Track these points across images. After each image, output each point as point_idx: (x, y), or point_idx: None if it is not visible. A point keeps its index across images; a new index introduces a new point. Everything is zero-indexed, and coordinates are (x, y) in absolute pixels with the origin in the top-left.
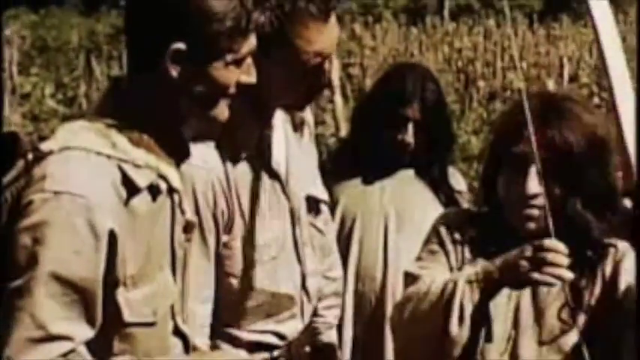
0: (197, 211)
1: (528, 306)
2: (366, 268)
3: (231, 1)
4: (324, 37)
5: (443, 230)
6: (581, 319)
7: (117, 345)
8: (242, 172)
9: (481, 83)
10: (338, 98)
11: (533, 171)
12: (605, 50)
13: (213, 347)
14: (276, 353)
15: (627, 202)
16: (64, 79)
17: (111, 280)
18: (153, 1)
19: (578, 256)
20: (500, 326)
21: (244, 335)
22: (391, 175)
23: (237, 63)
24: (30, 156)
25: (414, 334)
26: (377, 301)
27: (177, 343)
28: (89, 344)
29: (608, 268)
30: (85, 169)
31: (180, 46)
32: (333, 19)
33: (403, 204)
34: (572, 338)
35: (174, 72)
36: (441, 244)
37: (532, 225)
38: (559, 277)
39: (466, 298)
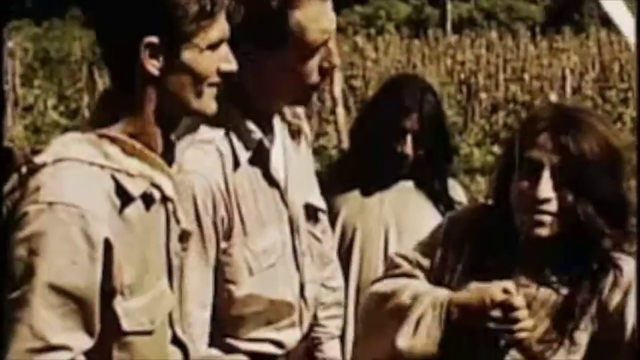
0: (197, 218)
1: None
2: (367, 279)
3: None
4: (327, 14)
5: (448, 230)
6: (580, 336)
7: (116, 354)
8: (241, 178)
9: (483, 95)
10: (340, 110)
11: (546, 176)
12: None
13: None
14: None
15: None
16: (66, 92)
17: (108, 289)
18: (116, 2)
19: (581, 267)
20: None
21: (243, 345)
22: (391, 187)
23: (212, 49)
24: (24, 169)
25: (371, 328)
26: None
27: (175, 352)
28: (88, 354)
29: (613, 294)
30: (79, 179)
31: (152, 39)
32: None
33: (403, 215)
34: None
35: (152, 68)
36: (440, 244)
37: (543, 231)
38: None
39: (425, 318)
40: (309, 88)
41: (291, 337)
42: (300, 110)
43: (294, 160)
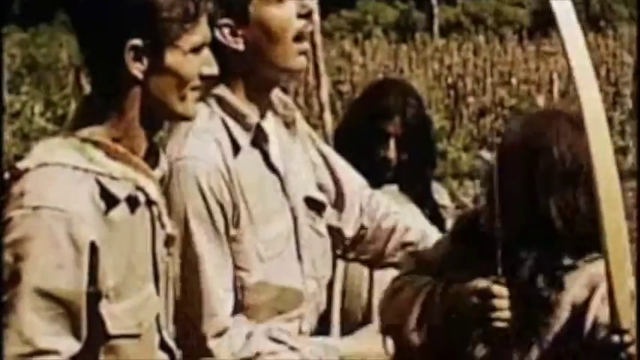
0: (204, 200)
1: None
2: (351, 284)
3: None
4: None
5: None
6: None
7: (103, 358)
8: (244, 164)
9: (471, 99)
10: (327, 115)
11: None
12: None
13: None
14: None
15: None
16: (53, 98)
17: (94, 293)
18: (98, 6)
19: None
20: None
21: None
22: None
23: (195, 52)
24: (7, 175)
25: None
26: (363, 318)
27: (163, 357)
28: (76, 357)
29: (582, 291)
30: (63, 183)
31: (136, 42)
32: None
33: None
34: None
35: (136, 71)
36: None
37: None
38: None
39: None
40: (295, 38)
41: (296, 329)
42: (289, 101)
43: (292, 152)
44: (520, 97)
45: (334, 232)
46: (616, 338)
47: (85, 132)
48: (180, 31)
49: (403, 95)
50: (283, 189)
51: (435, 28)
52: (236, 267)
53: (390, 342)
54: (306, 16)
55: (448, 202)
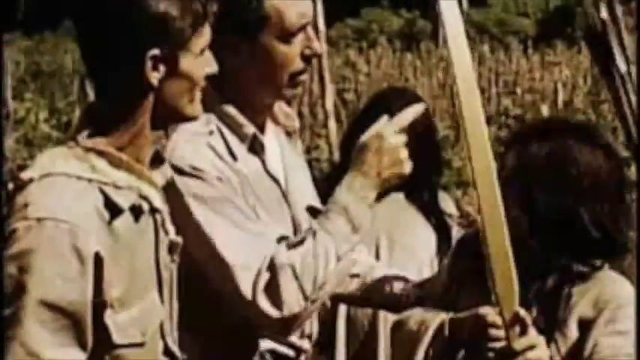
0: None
1: None
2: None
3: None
4: (299, 6)
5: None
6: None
7: None
8: (241, 170)
9: None
10: (332, 123)
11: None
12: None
13: None
14: None
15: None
16: (58, 104)
17: (99, 303)
18: (111, 20)
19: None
20: None
21: (263, 343)
22: (381, 199)
23: (202, 54)
24: (11, 185)
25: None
26: (369, 326)
27: None
28: None
29: (589, 309)
30: (67, 194)
31: (155, 52)
32: None
33: (394, 227)
34: None
35: (154, 80)
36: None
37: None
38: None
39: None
40: (292, 75)
41: (304, 340)
42: (291, 112)
43: (293, 163)
44: (524, 107)
45: None
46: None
47: (89, 141)
48: (192, 36)
49: (409, 104)
50: (284, 197)
51: (440, 37)
52: None
53: None
54: (310, 58)
55: (454, 211)
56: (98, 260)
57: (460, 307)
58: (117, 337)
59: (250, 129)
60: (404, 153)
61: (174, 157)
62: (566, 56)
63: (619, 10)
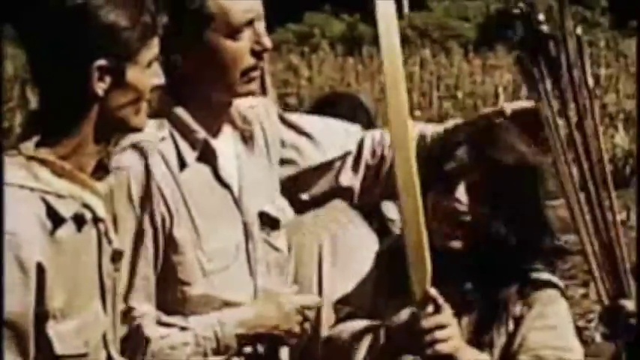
0: (134, 210)
1: None
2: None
3: (134, 10)
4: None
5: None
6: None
7: None
8: (189, 178)
9: (417, 113)
10: None
11: (461, 188)
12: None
13: None
14: None
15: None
16: None
17: (41, 313)
18: (59, 28)
19: (498, 284)
20: None
21: None
22: (324, 204)
23: (149, 65)
24: None
25: None
26: (312, 330)
27: None
28: None
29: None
30: (9, 203)
31: (103, 62)
32: None
33: (337, 228)
34: None
35: (99, 90)
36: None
37: (456, 243)
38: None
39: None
40: (244, 71)
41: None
42: (250, 115)
43: (249, 167)
44: (466, 111)
45: (346, 192)
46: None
47: (31, 150)
48: (140, 48)
49: (353, 108)
50: (236, 203)
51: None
52: (179, 281)
53: None
54: (260, 53)
55: (396, 217)
56: (40, 270)
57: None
58: (59, 348)
59: (201, 134)
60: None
61: (121, 163)
62: (507, 60)
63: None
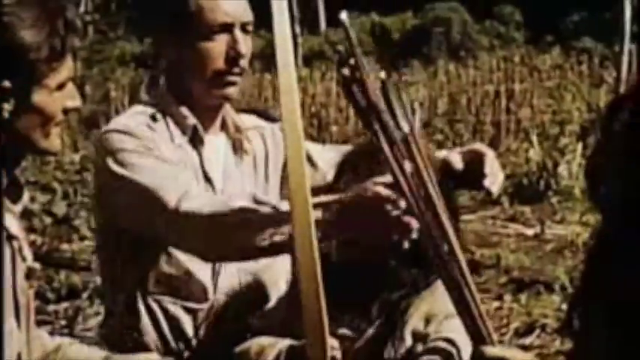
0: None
1: None
2: None
3: (42, 30)
4: (224, 2)
5: None
6: None
7: None
8: (176, 155)
9: (334, 128)
10: None
11: None
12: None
13: None
14: None
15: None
16: None
17: None
18: None
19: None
20: None
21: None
22: None
23: (60, 88)
24: None
25: None
26: None
27: None
28: None
29: (420, 323)
30: None
31: (6, 84)
32: None
33: None
34: None
35: (4, 112)
36: None
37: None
38: None
39: None
40: (216, 74)
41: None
42: (242, 125)
43: (235, 173)
44: None
45: None
46: None
47: None
48: (48, 70)
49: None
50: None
51: (299, 57)
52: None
53: None
54: (235, 60)
55: None
56: None
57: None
58: None
59: (192, 120)
60: None
61: (108, 125)
62: (423, 76)
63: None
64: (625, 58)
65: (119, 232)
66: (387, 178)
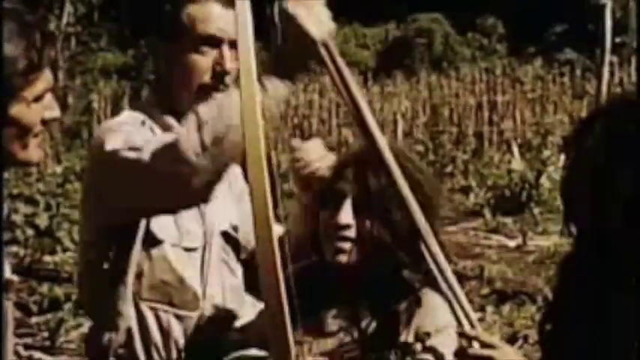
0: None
1: None
2: None
3: (20, 42)
4: (224, 16)
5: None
6: None
7: None
8: None
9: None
10: None
11: (347, 204)
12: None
13: None
14: None
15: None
16: None
17: None
18: None
19: (391, 301)
20: None
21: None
22: None
23: (38, 100)
24: None
25: None
26: None
27: None
28: None
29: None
30: None
31: None
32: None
33: None
34: None
35: None
36: None
37: (343, 257)
38: None
39: None
40: (203, 87)
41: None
42: None
43: (223, 188)
44: None
45: None
46: None
47: None
48: (24, 83)
49: None
50: (200, 213)
51: None
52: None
53: None
54: (221, 75)
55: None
56: None
57: None
58: None
59: (177, 129)
60: None
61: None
62: (406, 87)
63: None
64: (606, 70)
65: (110, 227)
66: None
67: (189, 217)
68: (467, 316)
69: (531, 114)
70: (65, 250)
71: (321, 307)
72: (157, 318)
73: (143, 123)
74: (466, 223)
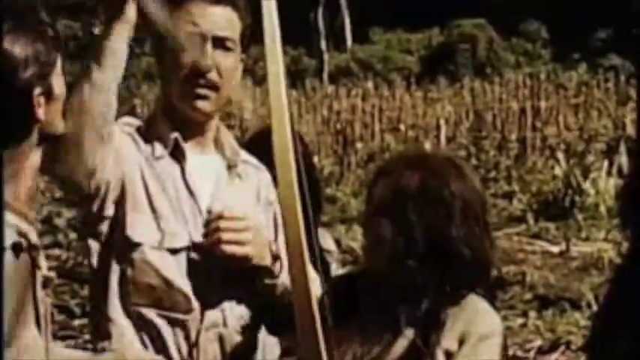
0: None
1: None
2: None
3: (31, 46)
4: (206, 15)
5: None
6: None
7: None
8: (156, 169)
9: (359, 145)
10: None
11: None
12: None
13: None
14: None
15: None
16: None
17: None
18: None
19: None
20: None
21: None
22: None
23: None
24: None
25: None
26: None
27: None
28: None
29: (452, 343)
30: None
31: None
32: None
33: None
34: None
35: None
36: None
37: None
38: None
39: None
40: (185, 84)
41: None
42: (237, 149)
43: (226, 195)
44: (408, 143)
45: None
46: None
47: None
48: (39, 86)
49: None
50: (200, 214)
51: (325, 74)
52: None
53: None
54: (202, 74)
55: (333, 247)
56: None
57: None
58: None
59: (174, 134)
60: None
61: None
62: (449, 93)
63: None
64: None
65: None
66: None
67: (175, 218)
68: None
69: (575, 119)
70: None
71: (360, 316)
72: (150, 322)
73: (139, 130)
74: (509, 228)
